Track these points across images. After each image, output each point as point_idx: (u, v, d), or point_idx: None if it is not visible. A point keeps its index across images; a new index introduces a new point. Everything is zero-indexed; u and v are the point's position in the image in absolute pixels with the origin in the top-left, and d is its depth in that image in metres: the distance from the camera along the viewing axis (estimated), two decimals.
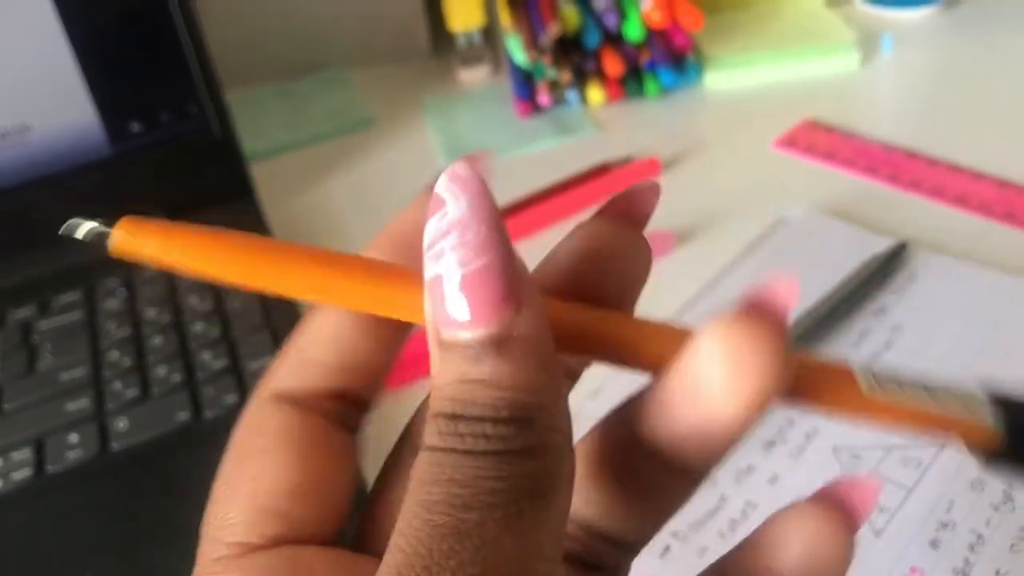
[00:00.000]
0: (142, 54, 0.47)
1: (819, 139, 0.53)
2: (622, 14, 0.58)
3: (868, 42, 0.62)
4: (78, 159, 0.48)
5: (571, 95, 0.59)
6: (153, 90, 0.48)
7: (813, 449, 0.35)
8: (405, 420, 0.41)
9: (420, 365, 0.42)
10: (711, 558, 0.32)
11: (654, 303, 0.45)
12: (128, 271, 0.47)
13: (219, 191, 0.51)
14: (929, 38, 0.63)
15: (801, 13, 0.65)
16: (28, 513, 0.36)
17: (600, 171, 0.51)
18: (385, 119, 0.62)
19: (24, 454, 0.38)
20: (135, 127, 0.49)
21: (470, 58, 0.65)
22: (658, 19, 0.57)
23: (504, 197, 0.51)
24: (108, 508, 0.36)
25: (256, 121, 0.62)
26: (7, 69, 0.46)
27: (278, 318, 0.43)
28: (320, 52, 0.67)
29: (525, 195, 0.51)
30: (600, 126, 0.58)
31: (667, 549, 0.32)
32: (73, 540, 0.35)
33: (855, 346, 0.39)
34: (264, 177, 0.54)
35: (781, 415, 0.37)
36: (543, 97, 0.58)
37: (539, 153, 0.56)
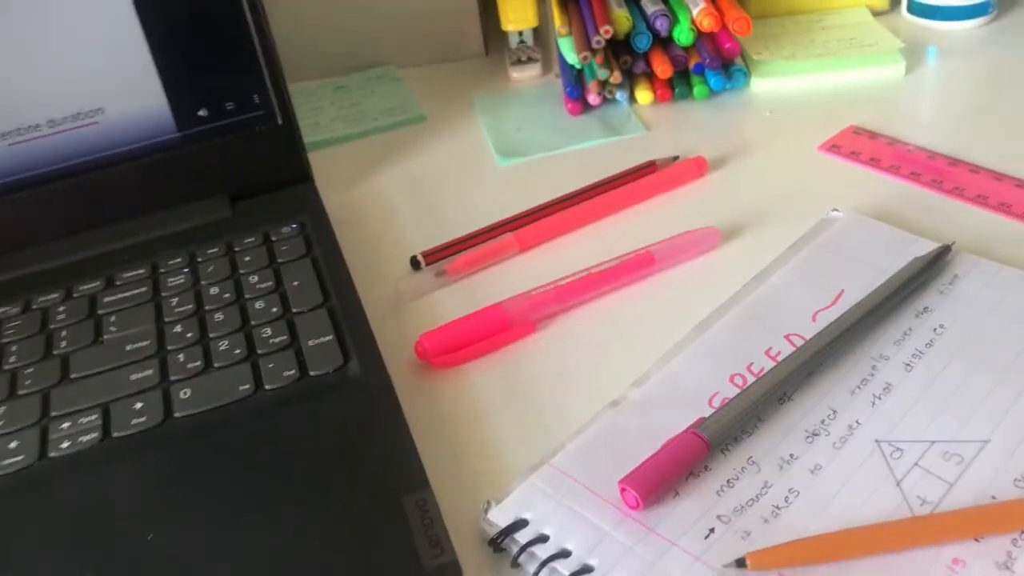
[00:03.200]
0: (212, 44, 0.49)
1: (863, 145, 0.54)
2: (673, 18, 0.59)
3: (913, 53, 0.62)
4: (146, 141, 0.50)
5: (620, 95, 0.60)
6: (221, 78, 0.50)
7: (855, 441, 0.36)
8: (456, 399, 0.43)
9: (470, 349, 0.43)
10: (754, 542, 0.34)
11: (700, 298, 0.47)
12: (191, 250, 0.49)
13: (279, 177, 0.53)
14: (974, 50, 0.64)
15: (847, 23, 0.66)
16: (95, 475, 0.38)
17: (648, 168, 0.53)
18: (437, 116, 0.64)
19: (91, 419, 0.40)
20: (202, 113, 0.50)
21: (521, 58, 0.66)
22: (708, 24, 0.58)
23: (554, 191, 0.52)
24: (172, 472, 0.37)
25: (313, 114, 0.64)
26: (85, 54, 0.48)
27: (336, 298, 0.44)
28: (375, 51, 0.69)
29: (575, 190, 0.52)
30: (647, 126, 0.59)
31: (711, 531, 0.33)
32: (137, 502, 0.36)
33: (897, 344, 0.40)
34: (320, 166, 0.56)
35: (823, 406, 0.38)
36: (593, 96, 0.60)
37: (588, 150, 0.57)
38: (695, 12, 0.58)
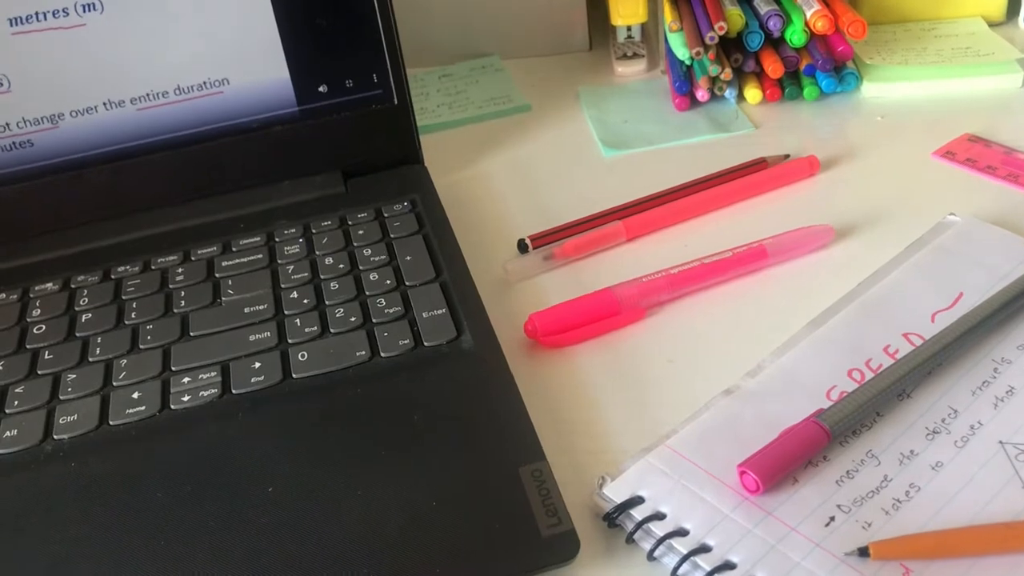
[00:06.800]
0: (336, 22, 0.50)
1: (979, 152, 0.53)
2: (786, 19, 0.58)
3: None
4: (267, 114, 0.51)
5: (729, 93, 0.60)
6: (343, 56, 0.51)
7: (977, 441, 0.35)
8: (563, 378, 0.43)
9: (579, 331, 0.43)
10: (875, 533, 0.33)
11: (812, 294, 0.46)
12: (305, 222, 0.50)
13: (392, 156, 0.54)
14: None
15: (961, 32, 0.65)
16: (216, 427, 0.39)
17: (759, 165, 0.52)
18: (541, 107, 0.64)
19: (211, 375, 0.41)
20: (322, 89, 0.52)
21: (627, 53, 0.66)
22: (822, 27, 0.58)
23: (659, 184, 0.53)
24: (291, 430, 0.38)
25: (419, 100, 0.65)
26: (215, 26, 0.49)
27: (448, 274, 0.45)
28: (480, 41, 0.70)
29: (684, 182, 0.52)
30: (755, 124, 0.58)
31: (832, 519, 0.33)
32: (257, 456, 0.37)
33: (1020, 348, 0.39)
34: (426, 150, 0.56)
35: (944, 405, 0.37)
36: (701, 92, 0.60)
37: (694, 145, 0.57)
38: (809, 14, 0.58)
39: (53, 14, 0.47)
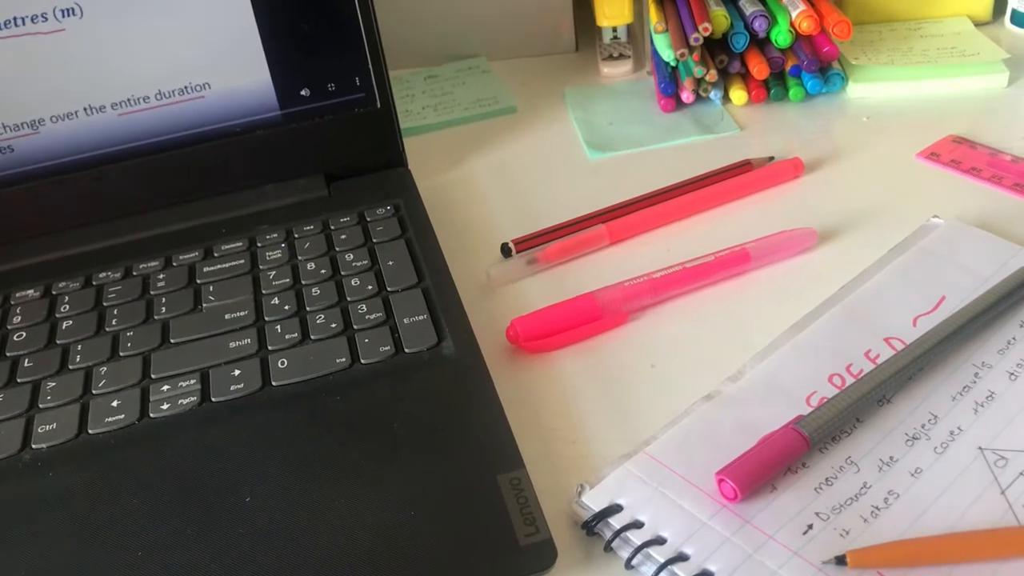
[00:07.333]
0: (318, 25, 0.50)
1: (964, 154, 0.53)
2: (771, 19, 0.58)
3: (1017, 64, 0.61)
4: (249, 118, 0.51)
5: (715, 94, 0.60)
6: (325, 60, 0.51)
7: (957, 447, 0.35)
8: (545, 384, 0.42)
9: (561, 336, 0.43)
10: (853, 540, 0.33)
11: (795, 297, 0.46)
12: (288, 227, 0.50)
13: (375, 160, 0.53)
14: None
15: (947, 32, 0.65)
16: (195, 436, 0.39)
17: (743, 167, 0.52)
18: (527, 108, 0.64)
19: (191, 383, 0.41)
20: (304, 92, 0.51)
21: (613, 54, 0.66)
22: (807, 27, 0.58)
23: (644, 186, 0.52)
24: (270, 438, 0.38)
25: (404, 102, 0.65)
26: (196, 30, 0.49)
27: (430, 279, 0.45)
28: (466, 43, 0.69)
29: (668, 185, 0.52)
30: (740, 126, 0.58)
31: (810, 527, 0.33)
32: (235, 465, 0.37)
33: (1001, 353, 0.39)
34: (411, 152, 0.56)
35: (924, 411, 0.37)
36: (687, 94, 0.59)
37: (680, 147, 0.57)
38: (794, 14, 0.58)
39: (32, 19, 0.47)
